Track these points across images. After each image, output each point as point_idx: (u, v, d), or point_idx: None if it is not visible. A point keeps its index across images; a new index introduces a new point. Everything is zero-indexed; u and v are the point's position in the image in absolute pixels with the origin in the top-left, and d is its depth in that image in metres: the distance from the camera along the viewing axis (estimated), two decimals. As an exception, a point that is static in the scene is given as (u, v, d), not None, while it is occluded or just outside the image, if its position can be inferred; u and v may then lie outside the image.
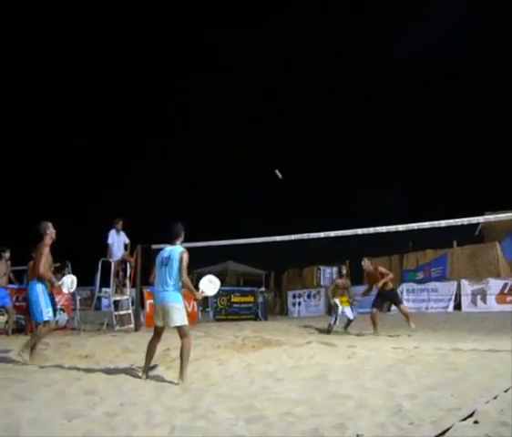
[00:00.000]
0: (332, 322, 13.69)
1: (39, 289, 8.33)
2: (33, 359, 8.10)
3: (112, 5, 40.26)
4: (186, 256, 6.79)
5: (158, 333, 6.96)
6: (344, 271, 14.84)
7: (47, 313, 8.33)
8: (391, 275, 13.72)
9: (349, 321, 13.77)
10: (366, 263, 13.85)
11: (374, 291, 13.60)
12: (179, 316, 6.70)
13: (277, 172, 14.51)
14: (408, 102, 34.81)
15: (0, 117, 35.20)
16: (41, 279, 8.34)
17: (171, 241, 7.02)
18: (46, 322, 8.36)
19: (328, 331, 13.51)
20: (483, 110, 31.82)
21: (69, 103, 39.95)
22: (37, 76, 39.15)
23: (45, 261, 8.34)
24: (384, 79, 35.94)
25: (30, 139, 38.25)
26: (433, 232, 11.24)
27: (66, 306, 14.83)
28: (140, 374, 6.84)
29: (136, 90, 41.67)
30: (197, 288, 7.04)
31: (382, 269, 13.88)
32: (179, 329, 6.76)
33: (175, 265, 6.74)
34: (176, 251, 6.84)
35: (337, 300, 13.87)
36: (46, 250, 8.44)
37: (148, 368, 6.91)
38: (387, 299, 13.98)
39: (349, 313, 13.75)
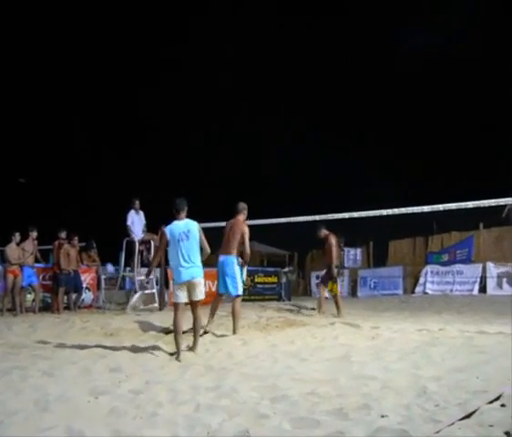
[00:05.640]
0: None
1: (236, 265, 9.02)
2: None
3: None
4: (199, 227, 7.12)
5: (181, 310, 7.00)
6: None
7: (241, 288, 9.10)
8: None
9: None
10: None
11: None
12: (203, 290, 7.02)
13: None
14: (431, 83, 34.32)
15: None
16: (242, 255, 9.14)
17: (179, 215, 7.06)
18: (237, 296, 9.02)
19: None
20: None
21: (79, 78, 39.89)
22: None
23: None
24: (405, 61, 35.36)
25: (55, 118, 38.48)
26: (459, 214, 11.11)
27: (92, 285, 15.02)
28: (177, 358, 6.68)
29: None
30: None
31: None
32: (198, 302, 6.99)
33: (197, 239, 6.95)
34: (193, 225, 7.01)
35: None
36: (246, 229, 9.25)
37: (180, 349, 6.83)
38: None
39: None
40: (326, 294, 13.08)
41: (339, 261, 13.18)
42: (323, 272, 12.78)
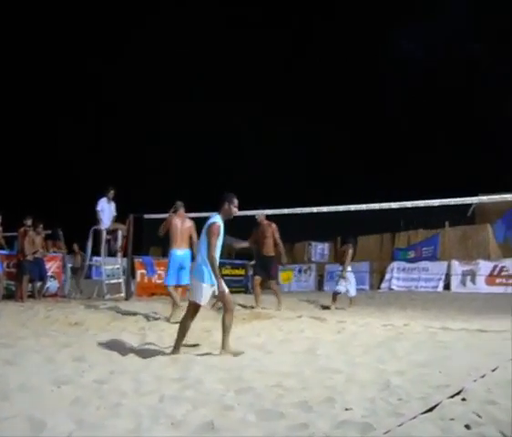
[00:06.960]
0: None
1: None
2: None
3: None
4: (214, 228, 6.31)
5: (194, 309, 6.52)
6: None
7: None
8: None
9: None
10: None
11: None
12: (195, 292, 6.41)
13: None
14: (403, 83, 34.67)
15: None
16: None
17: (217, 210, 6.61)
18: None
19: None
20: (479, 92, 31.72)
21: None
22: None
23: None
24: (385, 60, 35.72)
25: (23, 105, 37.77)
26: (425, 212, 11.22)
27: (57, 273, 14.82)
28: (171, 350, 6.52)
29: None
30: None
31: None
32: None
33: (203, 238, 6.39)
34: (207, 223, 6.44)
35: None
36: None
37: (179, 345, 6.51)
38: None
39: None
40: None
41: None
42: (271, 266, 12.18)
